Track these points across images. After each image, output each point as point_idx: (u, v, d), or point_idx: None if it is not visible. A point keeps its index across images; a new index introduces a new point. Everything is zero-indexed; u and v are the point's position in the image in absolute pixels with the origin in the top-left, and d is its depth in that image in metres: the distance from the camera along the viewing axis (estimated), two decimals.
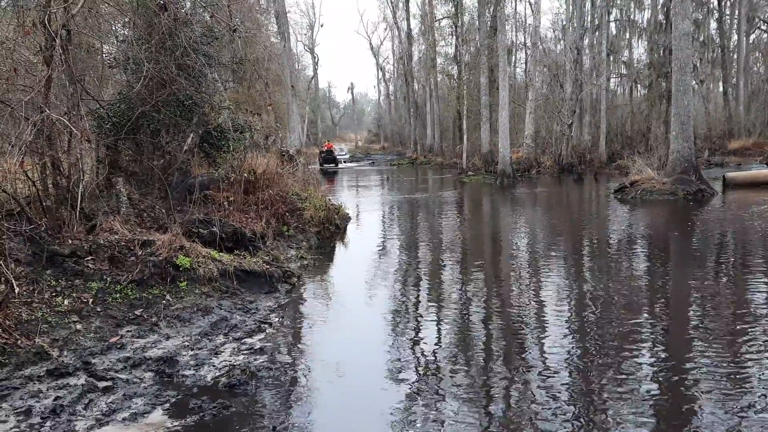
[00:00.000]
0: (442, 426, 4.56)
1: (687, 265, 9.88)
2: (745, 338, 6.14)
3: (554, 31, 45.55)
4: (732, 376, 5.23)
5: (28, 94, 7.48)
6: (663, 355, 5.92)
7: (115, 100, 10.46)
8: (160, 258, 7.52)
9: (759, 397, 4.82)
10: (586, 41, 35.66)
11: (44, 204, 7.71)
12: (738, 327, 6.49)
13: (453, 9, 42.99)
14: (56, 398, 4.89)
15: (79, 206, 7.80)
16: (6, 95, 7.93)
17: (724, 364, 5.51)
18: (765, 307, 7.27)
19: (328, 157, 40.66)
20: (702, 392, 4.97)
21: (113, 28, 11.86)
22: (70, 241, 7.31)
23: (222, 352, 6.14)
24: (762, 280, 8.49)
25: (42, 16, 7.37)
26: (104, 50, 11.41)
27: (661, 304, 7.77)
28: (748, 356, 5.68)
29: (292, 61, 33.93)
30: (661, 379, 5.27)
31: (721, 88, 43.27)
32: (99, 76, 10.51)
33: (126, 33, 11.36)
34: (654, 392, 5.01)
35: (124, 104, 10.22)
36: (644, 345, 6.14)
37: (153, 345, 6.13)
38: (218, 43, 11.73)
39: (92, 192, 8.51)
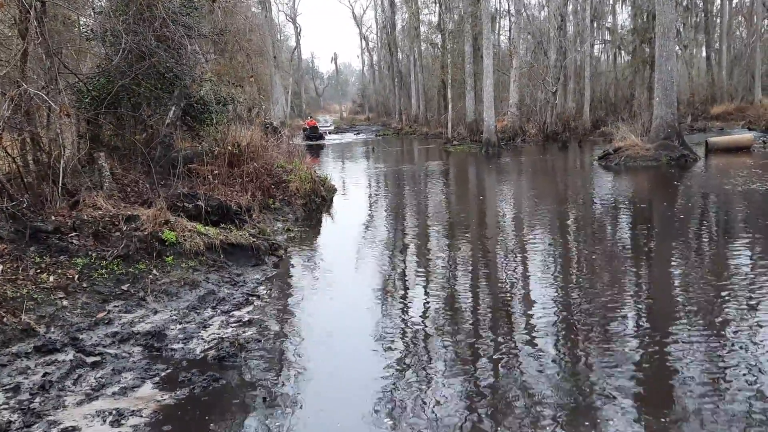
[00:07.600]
0: (432, 391, 4.63)
1: (667, 229, 10.00)
2: (724, 296, 6.28)
3: None
4: (712, 331, 5.37)
5: (4, 68, 7.33)
6: (644, 312, 6.04)
7: (94, 74, 10.26)
8: (146, 233, 7.48)
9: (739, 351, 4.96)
10: (569, 8, 35.26)
11: (25, 180, 7.61)
12: (717, 286, 6.62)
13: None
14: (45, 374, 4.90)
15: (61, 182, 7.72)
16: None
17: (704, 319, 5.64)
18: (741, 267, 7.43)
19: (312, 135, 37.88)
20: (684, 349, 5.09)
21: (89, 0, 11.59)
22: (53, 218, 7.24)
23: (210, 325, 6.16)
24: (740, 242, 8.63)
25: None
26: (81, 22, 11.15)
27: (643, 266, 7.89)
28: (727, 311, 5.81)
29: (273, 31, 33.46)
30: (642, 334, 5.39)
31: (704, 53, 43.20)
32: (77, 49, 10.29)
33: (102, 4, 11.12)
34: (636, 348, 5.13)
35: (103, 77, 10.03)
36: (626, 303, 6.25)
37: (141, 320, 6.14)
38: (198, 13, 11.49)
39: (74, 167, 8.41)
